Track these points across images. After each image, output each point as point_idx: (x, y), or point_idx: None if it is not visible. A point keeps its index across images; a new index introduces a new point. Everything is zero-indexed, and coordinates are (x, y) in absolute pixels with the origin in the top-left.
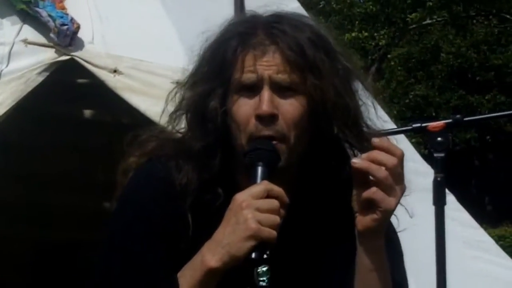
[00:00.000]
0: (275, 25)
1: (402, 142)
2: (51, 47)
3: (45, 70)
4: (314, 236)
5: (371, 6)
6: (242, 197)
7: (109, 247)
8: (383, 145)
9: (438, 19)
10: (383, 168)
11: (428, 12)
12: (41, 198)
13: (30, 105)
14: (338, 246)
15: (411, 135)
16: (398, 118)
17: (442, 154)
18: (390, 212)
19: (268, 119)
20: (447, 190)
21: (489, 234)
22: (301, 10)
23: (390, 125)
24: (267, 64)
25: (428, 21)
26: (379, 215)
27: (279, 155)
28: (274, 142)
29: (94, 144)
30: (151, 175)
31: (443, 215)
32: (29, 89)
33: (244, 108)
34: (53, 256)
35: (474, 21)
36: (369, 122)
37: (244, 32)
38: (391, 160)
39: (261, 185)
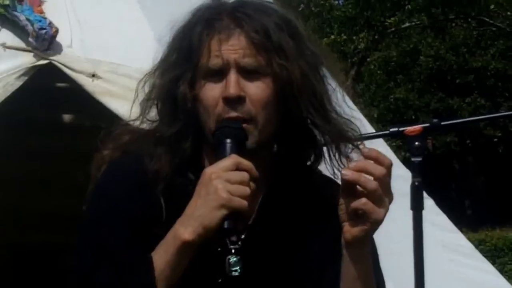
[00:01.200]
0: (240, 9)
1: (380, 146)
2: (30, 51)
3: (23, 74)
4: (288, 224)
5: (350, 9)
6: (211, 169)
7: (83, 241)
8: (371, 155)
9: (417, 22)
10: (373, 179)
11: (407, 16)
12: (21, 202)
13: (8, 109)
14: (313, 236)
15: (390, 139)
16: (378, 121)
17: (419, 158)
18: (379, 222)
19: (235, 101)
20: (426, 195)
21: (469, 238)
22: None
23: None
24: (233, 48)
25: (407, 24)
26: (368, 226)
27: (246, 134)
28: (243, 124)
29: (72, 148)
30: (123, 167)
31: (421, 219)
32: (8, 93)
33: (212, 92)
34: (33, 260)
35: (453, 24)
36: (338, 108)
37: (209, 18)
38: (380, 170)
39: (230, 159)
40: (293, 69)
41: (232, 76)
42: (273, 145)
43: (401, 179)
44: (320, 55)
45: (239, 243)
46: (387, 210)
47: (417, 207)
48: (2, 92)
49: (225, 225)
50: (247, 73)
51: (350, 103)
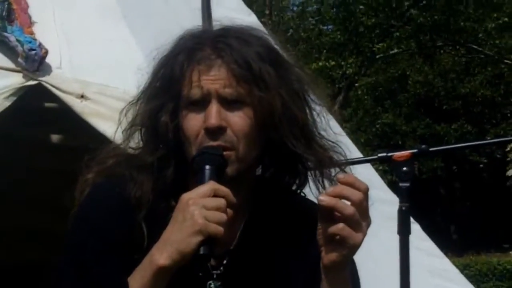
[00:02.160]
0: (221, 39)
1: (367, 170)
2: (19, 71)
3: (12, 94)
4: (270, 249)
5: (339, 35)
6: (189, 195)
7: (63, 261)
8: (348, 181)
9: (406, 48)
10: (350, 204)
11: (396, 42)
12: (8, 219)
13: None
14: (294, 260)
15: (378, 163)
16: (365, 146)
17: (407, 184)
18: (356, 247)
19: (216, 131)
20: (412, 219)
21: (454, 263)
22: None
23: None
24: (214, 78)
25: (396, 50)
26: (345, 251)
27: (226, 160)
28: (224, 152)
29: (60, 168)
30: (105, 191)
31: (408, 244)
32: None
33: (193, 122)
34: (17, 277)
35: (442, 51)
36: (323, 133)
37: (191, 47)
38: (357, 195)
39: (207, 185)
40: (274, 98)
41: (213, 106)
42: (254, 172)
43: (388, 203)
44: (305, 80)
45: (221, 268)
46: (364, 234)
47: (404, 232)
48: None
49: (201, 251)
50: (228, 103)
51: (336, 127)
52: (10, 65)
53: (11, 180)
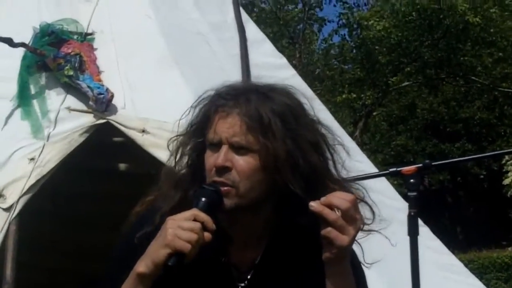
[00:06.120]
0: (244, 94)
1: (383, 184)
2: (90, 112)
3: (85, 131)
4: (287, 266)
5: (358, 72)
6: (173, 217)
7: (105, 270)
8: (337, 195)
9: (414, 81)
10: (336, 210)
11: (406, 76)
12: (85, 237)
13: (74, 161)
14: (311, 274)
15: (391, 177)
16: (383, 164)
17: (414, 193)
18: (343, 248)
19: (222, 170)
20: (421, 223)
21: (460, 258)
22: (296, 78)
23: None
24: (228, 127)
25: (406, 83)
26: (334, 250)
27: (221, 196)
28: (224, 187)
29: (127, 191)
30: (150, 215)
31: (417, 243)
32: (73, 148)
33: (210, 159)
34: (93, 285)
35: (444, 82)
36: (336, 177)
37: (219, 97)
38: (343, 204)
39: (190, 211)
40: (278, 147)
41: (223, 149)
42: (267, 207)
43: (402, 210)
44: (319, 132)
45: (245, 282)
46: (351, 237)
47: (413, 233)
48: (68, 146)
49: (169, 263)
50: (236, 149)
51: (360, 155)
52: (83, 107)
53: (86, 203)
